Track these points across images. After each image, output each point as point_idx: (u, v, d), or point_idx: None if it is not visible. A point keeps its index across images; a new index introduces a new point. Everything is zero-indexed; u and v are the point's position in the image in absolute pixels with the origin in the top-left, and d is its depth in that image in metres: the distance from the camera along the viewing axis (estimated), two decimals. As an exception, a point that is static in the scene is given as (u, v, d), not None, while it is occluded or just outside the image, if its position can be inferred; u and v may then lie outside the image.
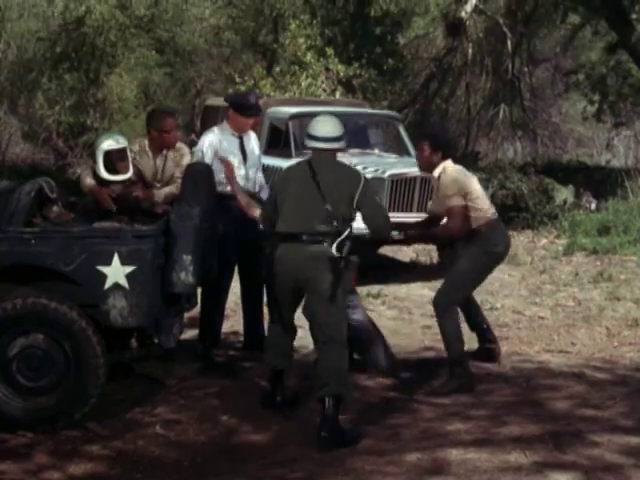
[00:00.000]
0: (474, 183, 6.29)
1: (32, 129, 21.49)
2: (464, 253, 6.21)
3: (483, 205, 6.26)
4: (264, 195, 7.11)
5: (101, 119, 19.62)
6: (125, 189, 6.20)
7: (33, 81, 20.59)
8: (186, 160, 6.57)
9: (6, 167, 19.56)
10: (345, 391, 5.26)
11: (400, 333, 7.65)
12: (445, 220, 6.35)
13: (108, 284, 5.27)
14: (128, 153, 6.23)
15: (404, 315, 8.41)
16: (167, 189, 6.42)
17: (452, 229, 6.21)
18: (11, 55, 20.81)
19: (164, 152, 6.54)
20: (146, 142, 6.54)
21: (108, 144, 6.17)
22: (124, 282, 5.26)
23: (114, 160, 6.14)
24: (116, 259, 5.26)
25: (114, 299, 5.28)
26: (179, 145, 6.70)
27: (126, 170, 6.19)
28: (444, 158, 6.25)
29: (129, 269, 5.27)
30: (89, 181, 6.19)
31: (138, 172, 6.36)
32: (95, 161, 6.20)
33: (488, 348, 6.76)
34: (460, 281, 6.25)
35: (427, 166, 6.34)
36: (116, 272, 5.26)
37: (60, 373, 5.34)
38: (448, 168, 6.24)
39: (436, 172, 6.26)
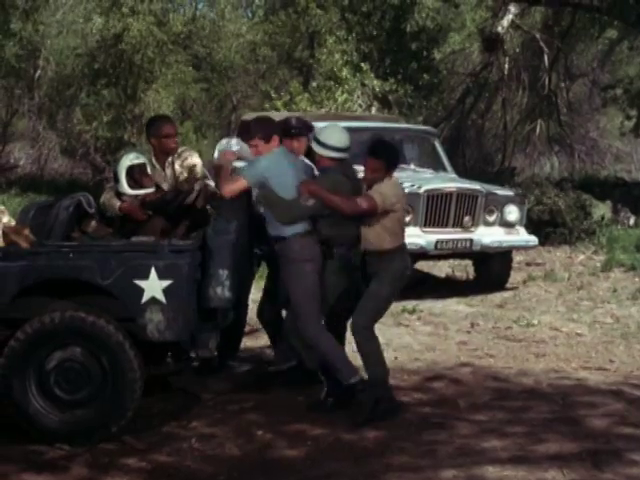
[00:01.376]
0: (403, 205, 6.16)
1: (70, 144, 21.72)
2: (384, 276, 5.88)
3: (403, 228, 6.11)
4: None
5: (138, 134, 19.77)
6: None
7: (72, 97, 20.87)
8: (193, 158, 6.58)
9: (45, 182, 19.79)
10: None
11: (436, 349, 7.62)
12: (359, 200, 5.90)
13: (145, 298, 5.29)
14: (148, 168, 6.31)
15: (439, 331, 8.38)
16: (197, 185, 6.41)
17: (355, 211, 5.84)
18: (50, 71, 21.11)
19: (169, 160, 6.56)
20: (153, 157, 6.59)
21: (129, 160, 6.27)
22: (161, 296, 5.29)
23: (137, 175, 6.22)
24: (153, 273, 5.28)
25: (151, 313, 5.30)
26: (182, 149, 6.71)
27: (150, 183, 6.27)
28: (388, 171, 5.97)
29: (166, 283, 5.29)
30: (115, 202, 6.25)
31: (157, 187, 6.40)
32: (117, 181, 6.27)
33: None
34: (382, 305, 5.99)
35: (371, 183, 5.93)
36: (153, 286, 5.29)
37: (97, 386, 5.37)
38: (394, 179, 6.03)
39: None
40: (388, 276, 5.92)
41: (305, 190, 5.86)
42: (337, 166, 6.06)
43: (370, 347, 5.94)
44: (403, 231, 6.12)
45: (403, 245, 6.07)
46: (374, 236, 5.92)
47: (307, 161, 6.32)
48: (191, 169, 6.50)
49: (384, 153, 6.03)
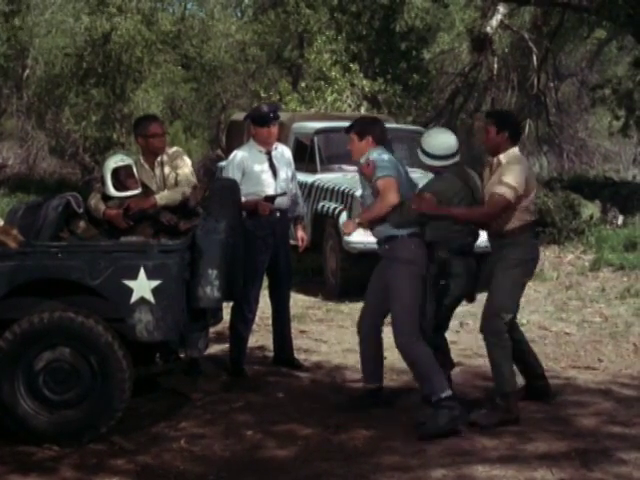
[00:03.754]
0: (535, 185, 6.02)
1: (59, 144, 21.67)
2: (501, 264, 5.77)
3: (532, 207, 5.97)
4: (299, 211, 7.13)
5: (127, 134, 19.75)
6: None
7: (60, 96, 20.82)
8: (183, 160, 6.56)
9: (34, 182, 19.73)
10: None
11: (425, 348, 7.61)
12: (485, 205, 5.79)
13: (134, 298, 5.28)
14: (134, 170, 6.27)
15: (429, 330, 8.36)
16: (167, 191, 6.38)
17: (489, 217, 5.77)
18: (39, 71, 21.07)
19: (159, 160, 6.53)
20: (140, 157, 6.57)
21: (114, 162, 6.25)
22: (150, 296, 5.28)
23: (122, 177, 6.20)
24: (142, 273, 5.27)
25: (140, 313, 5.29)
26: (173, 149, 6.70)
27: (135, 186, 6.24)
28: (512, 141, 5.85)
29: (155, 283, 5.28)
30: (101, 206, 6.23)
31: (145, 187, 6.38)
32: (104, 183, 6.25)
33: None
34: (514, 300, 5.90)
35: (492, 148, 5.85)
36: (142, 286, 5.28)
37: (86, 387, 5.36)
38: (519, 157, 5.88)
39: (504, 158, 5.80)
40: (505, 263, 5.81)
41: (417, 206, 5.65)
42: (450, 170, 5.83)
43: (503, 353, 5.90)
44: (531, 210, 5.99)
45: (528, 223, 5.91)
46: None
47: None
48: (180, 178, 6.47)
49: (508, 123, 5.90)
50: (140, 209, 6.15)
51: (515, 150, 5.88)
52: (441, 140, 5.88)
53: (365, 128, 5.87)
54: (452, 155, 5.83)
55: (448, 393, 5.57)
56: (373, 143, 5.83)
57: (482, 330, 5.97)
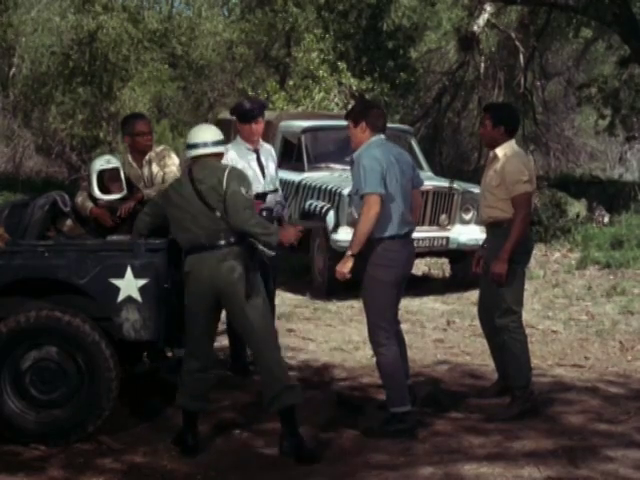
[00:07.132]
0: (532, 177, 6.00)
1: (46, 142, 21.60)
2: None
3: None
4: (279, 211, 7.12)
5: (114, 133, 19.71)
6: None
7: (47, 95, 20.75)
8: (171, 159, 6.54)
9: (20, 180, 19.65)
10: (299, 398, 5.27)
11: (412, 347, 7.62)
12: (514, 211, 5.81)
13: (121, 297, 5.27)
14: (121, 173, 6.21)
15: (417, 329, 8.39)
16: (156, 187, 6.36)
17: (527, 218, 5.84)
18: (25, 69, 21.00)
19: (146, 158, 6.51)
20: (128, 155, 6.55)
21: (100, 164, 6.19)
22: (137, 295, 5.27)
23: (106, 180, 6.15)
24: (129, 272, 5.26)
25: (127, 312, 5.28)
26: (161, 148, 6.68)
27: (119, 189, 6.17)
28: (508, 135, 5.91)
29: (142, 282, 5.27)
30: (88, 204, 6.20)
31: (132, 185, 6.35)
32: (90, 183, 6.22)
33: None
34: (520, 292, 5.96)
35: (489, 141, 5.96)
36: (129, 285, 5.26)
37: (73, 386, 5.34)
38: (516, 150, 5.93)
39: (499, 151, 5.88)
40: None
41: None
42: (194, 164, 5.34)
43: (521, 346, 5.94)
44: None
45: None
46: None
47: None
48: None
49: (504, 118, 5.93)
50: (127, 208, 6.12)
51: (511, 143, 5.93)
52: (197, 129, 5.46)
53: (358, 114, 5.71)
54: (194, 146, 5.29)
55: (404, 409, 5.53)
56: (367, 128, 5.64)
57: (496, 327, 5.94)
